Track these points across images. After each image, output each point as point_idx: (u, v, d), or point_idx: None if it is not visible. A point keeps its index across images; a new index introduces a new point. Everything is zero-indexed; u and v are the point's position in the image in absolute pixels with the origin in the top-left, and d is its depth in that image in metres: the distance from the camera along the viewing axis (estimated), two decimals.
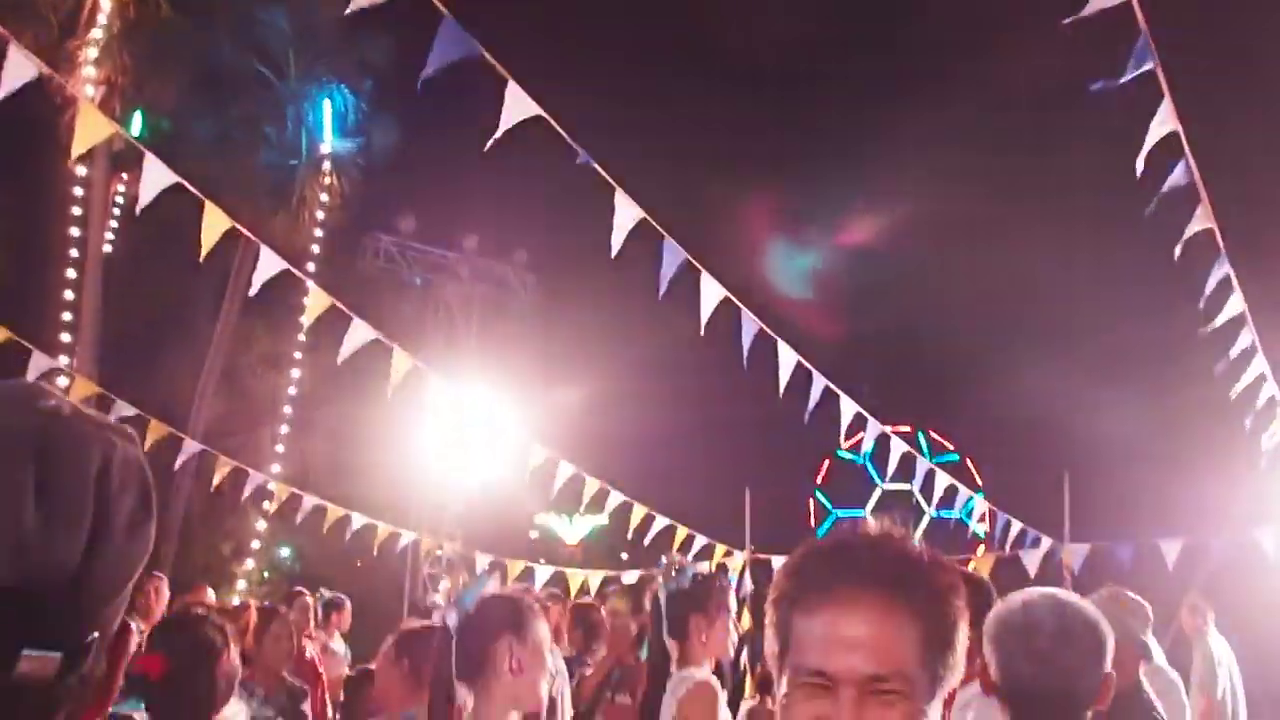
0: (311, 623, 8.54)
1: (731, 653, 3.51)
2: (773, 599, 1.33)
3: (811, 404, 6.86)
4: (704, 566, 3.66)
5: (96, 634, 0.80)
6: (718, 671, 3.51)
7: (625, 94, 24.14)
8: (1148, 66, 4.96)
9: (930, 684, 1.27)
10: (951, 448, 27.13)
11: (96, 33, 15.78)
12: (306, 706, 5.63)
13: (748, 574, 12.44)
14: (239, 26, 16.91)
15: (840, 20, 22.87)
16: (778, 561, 12.12)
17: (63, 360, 13.63)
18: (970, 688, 2.42)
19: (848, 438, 8.10)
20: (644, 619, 5.20)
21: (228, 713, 4.31)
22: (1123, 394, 14.44)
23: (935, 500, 8.52)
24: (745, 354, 6.07)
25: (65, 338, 15.66)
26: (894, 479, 7.89)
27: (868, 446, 9.12)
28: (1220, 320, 6.66)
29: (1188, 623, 7.44)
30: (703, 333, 5.78)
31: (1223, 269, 6.27)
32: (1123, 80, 4.72)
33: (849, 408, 7.52)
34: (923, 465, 9.35)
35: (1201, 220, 5.97)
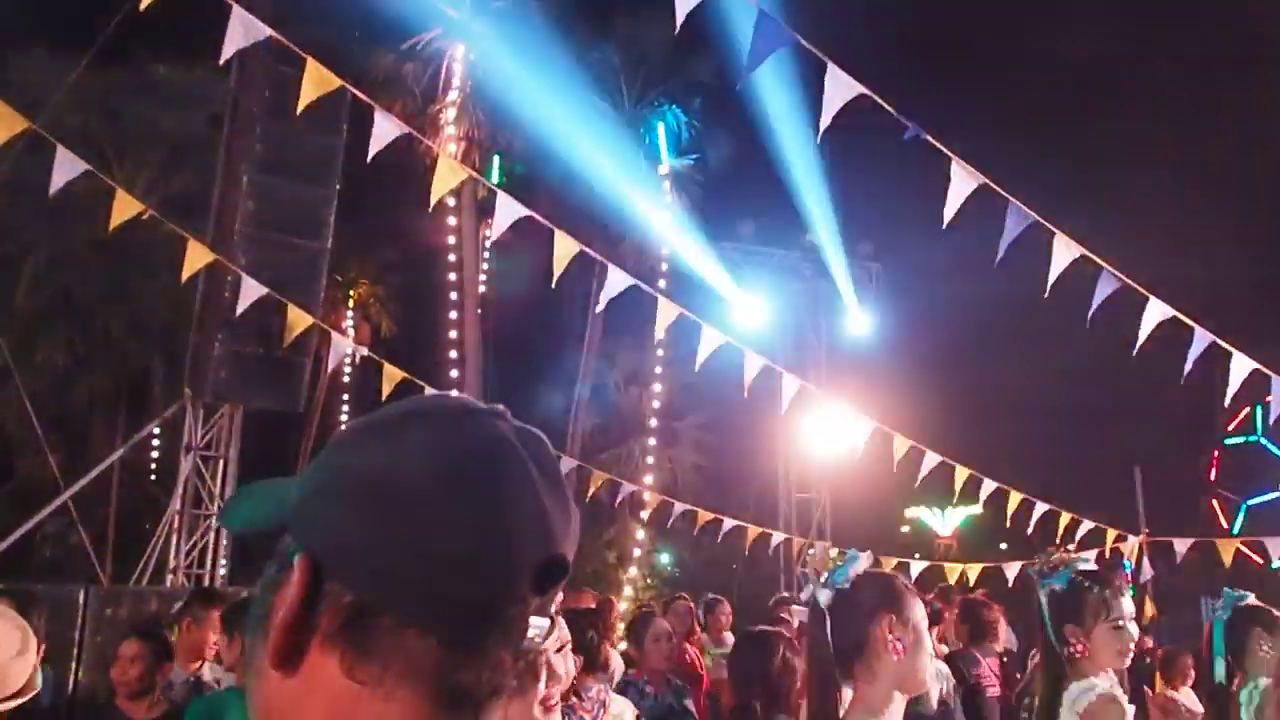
0: (698, 627, 8.76)
1: (1125, 662, 3.20)
2: None
3: (1189, 363, 6.15)
4: (1087, 564, 3.28)
5: None
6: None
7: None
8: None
9: None
10: None
11: (453, 95, 17.36)
12: (690, 704, 5.81)
13: (1145, 560, 11.51)
14: (574, 65, 17.93)
15: None
16: (1181, 546, 11.05)
17: (454, 395, 15.01)
18: None
19: (1233, 403, 7.15)
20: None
21: (615, 710, 4.54)
22: None
23: None
24: (1090, 312, 5.56)
25: (454, 374, 17.23)
26: None
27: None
28: None
29: None
30: (1047, 294, 5.37)
31: None
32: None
33: (1241, 365, 6.66)
34: None
35: None
